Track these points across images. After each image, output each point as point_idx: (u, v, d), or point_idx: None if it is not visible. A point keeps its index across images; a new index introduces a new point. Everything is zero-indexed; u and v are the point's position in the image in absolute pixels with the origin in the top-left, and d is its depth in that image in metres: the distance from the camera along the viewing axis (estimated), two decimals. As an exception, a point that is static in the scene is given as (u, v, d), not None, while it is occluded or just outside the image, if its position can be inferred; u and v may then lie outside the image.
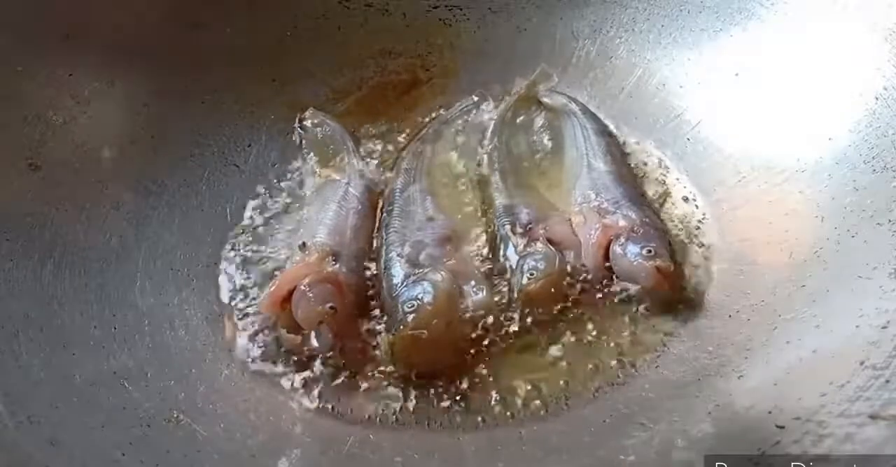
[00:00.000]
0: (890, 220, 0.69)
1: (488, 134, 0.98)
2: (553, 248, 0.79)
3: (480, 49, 1.05)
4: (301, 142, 0.97)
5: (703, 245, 0.82)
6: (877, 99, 0.77)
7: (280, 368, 0.74)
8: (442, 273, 0.76)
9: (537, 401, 0.69)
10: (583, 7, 1.01)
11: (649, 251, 0.75)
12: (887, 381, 0.57)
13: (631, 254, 0.76)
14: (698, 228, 0.83)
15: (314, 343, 0.74)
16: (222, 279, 0.82)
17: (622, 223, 0.79)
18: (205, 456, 0.64)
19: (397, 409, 0.70)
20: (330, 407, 0.71)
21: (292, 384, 0.72)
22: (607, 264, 0.78)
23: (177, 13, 0.97)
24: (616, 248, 0.77)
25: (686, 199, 0.87)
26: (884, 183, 0.72)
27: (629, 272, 0.76)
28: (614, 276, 0.77)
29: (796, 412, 0.58)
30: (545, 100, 1.00)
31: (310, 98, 1.02)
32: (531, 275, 0.76)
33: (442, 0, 1.05)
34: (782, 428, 0.57)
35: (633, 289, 0.76)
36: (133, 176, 0.89)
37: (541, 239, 0.80)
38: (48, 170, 0.84)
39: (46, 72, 0.88)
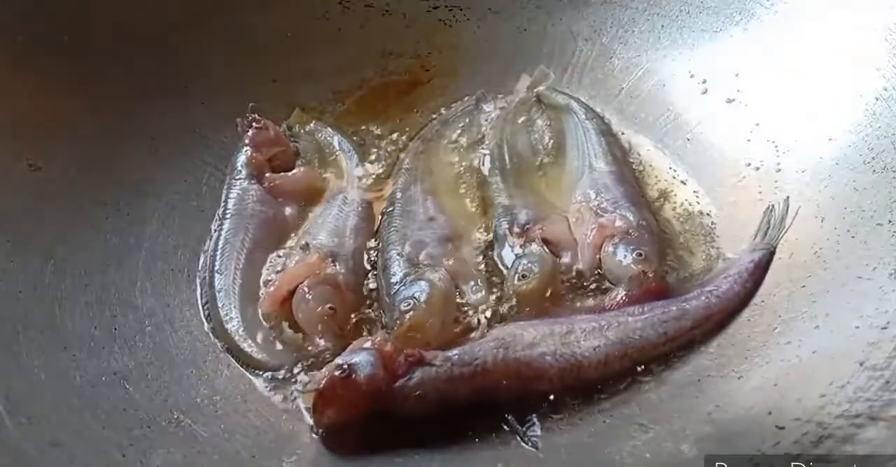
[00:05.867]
0: (890, 220, 0.69)
1: (489, 134, 0.98)
2: (548, 249, 0.79)
3: (480, 49, 1.05)
4: (295, 147, 0.97)
5: (702, 245, 0.82)
6: (877, 99, 0.77)
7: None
8: (440, 272, 0.76)
9: (535, 402, 0.69)
10: (583, 7, 1.01)
11: (639, 254, 0.75)
12: (887, 382, 0.57)
13: (621, 255, 0.76)
14: (698, 228, 0.83)
15: (315, 342, 0.73)
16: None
17: (618, 223, 0.79)
18: (205, 456, 0.64)
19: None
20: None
21: (293, 384, 0.72)
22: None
23: (177, 13, 0.97)
24: (608, 248, 0.78)
25: (686, 200, 0.87)
26: (884, 183, 0.72)
27: (616, 273, 0.77)
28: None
29: (796, 412, 0.58)
30: (546, 100, 1.00)
31: (310, 98, 1.03)
32: (524, 275, 0.76)
33: (442, 0, 1.05)
34: (782, 428, 0.57)
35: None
36: (133, 176, 0.89)
37: (537, 239, 0.80)
38: (48, 170, 0.84)
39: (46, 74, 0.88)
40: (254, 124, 0.94)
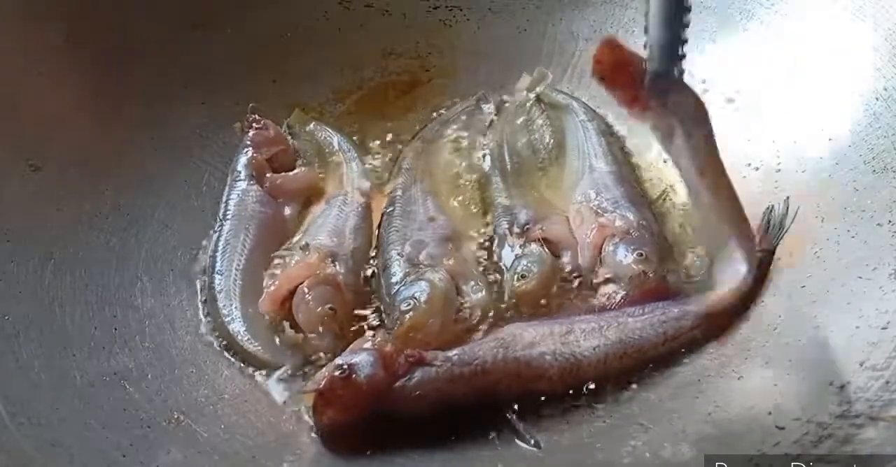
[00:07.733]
0: (890, 221, 0.69)
1: (489, 134, 0.98)
2: (547, 249, 0.79)
3: (480, 49, 1.05)
4: (295, 147, 0.97)
5: (702, 245, 0.82)
6: (877, 99, 0.77)
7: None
8: (440, 272, 0.76)
9: (535, 402, 0.69)
10: (583, 8, 1.02)
11: (640, 255, 0.75)
12: (887, 382, 0.57)
13: (621, 255, 0.76)
14: (698, 228, 0.83)
15: (316, 341, 0.73)
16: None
17: (619, 223, 0.79)
18: (205, 456, 0.64)
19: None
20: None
21: (293, 384, 0.72)
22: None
23: (177, 13, 0.97)
24: (608, 247, 0.78)
25: (686, 200, 0.86)
26: (884, 183, 0.72)
27: (616, 273, 0.76)
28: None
29: (796, 412, 0.58)
30: (546, 100, 1.00)
31: (310, 98, 1.03)
32: (523, 275, 0.76)
33: (442, 1, 1.05)
34: (782, 428, 0.57)
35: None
36: (133, 176, 0.89)
37: (537, 239, 0.80)
38: (48, 170, 0.84)
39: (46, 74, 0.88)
40: (254, 124, 0.94)
